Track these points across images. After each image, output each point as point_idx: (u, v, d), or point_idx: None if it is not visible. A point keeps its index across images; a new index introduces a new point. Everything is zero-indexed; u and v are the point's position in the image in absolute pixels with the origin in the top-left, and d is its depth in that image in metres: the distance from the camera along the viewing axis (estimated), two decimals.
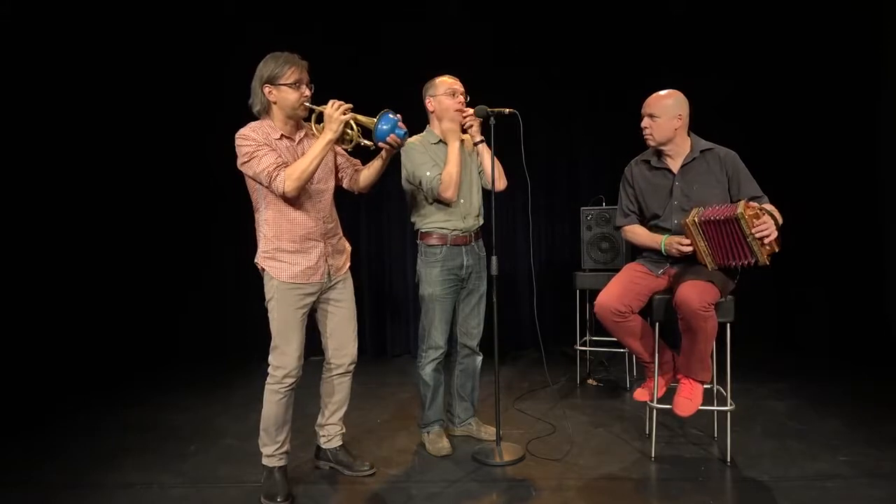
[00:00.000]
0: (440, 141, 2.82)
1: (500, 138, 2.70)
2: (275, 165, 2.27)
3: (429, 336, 2.82)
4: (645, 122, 2.73)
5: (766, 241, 2.45)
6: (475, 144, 2.86)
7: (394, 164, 2.62)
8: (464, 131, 2.82)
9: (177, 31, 4.52)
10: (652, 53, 4.58)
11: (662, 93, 2.74)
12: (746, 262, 2.52)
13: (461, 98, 2.79)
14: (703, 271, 2.57)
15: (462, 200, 2.80)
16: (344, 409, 2.67)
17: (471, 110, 2.73)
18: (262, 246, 2.41)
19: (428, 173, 2.70)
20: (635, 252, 3.13)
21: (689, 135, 2.77)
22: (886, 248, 4.36)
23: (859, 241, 4.40)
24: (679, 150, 2.75)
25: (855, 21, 4.32)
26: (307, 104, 2.37)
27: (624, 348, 3.60)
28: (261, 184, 2.32)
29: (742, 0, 4.47)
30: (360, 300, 2.65)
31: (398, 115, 2.38)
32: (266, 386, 2.42)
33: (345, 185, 2.62)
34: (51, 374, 4.09)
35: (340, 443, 2.68)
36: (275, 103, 2.35)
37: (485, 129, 2.77)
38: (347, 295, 2.57)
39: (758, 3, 4.45)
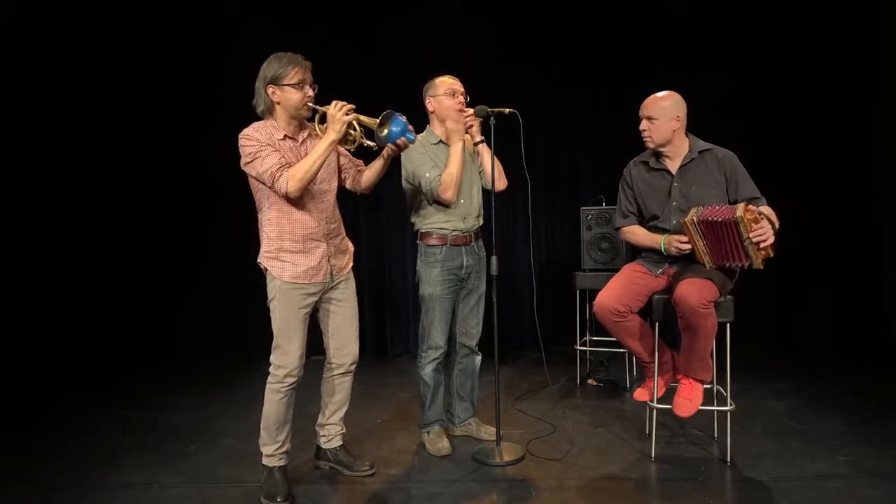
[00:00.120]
0: (440, 141, 2.82)
1: (500, 138, 2.71)
2: (278, 166, 2.27)
3: (429, 336, 2.82)
4: (643, 125, 2.73)
5: (763, 245, 2.45)
6: (475, 144, 2.86)
7: (394, 164, 2.62)
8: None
9: (177, 32, 4.52)
10: (652, 53, 4.58)
11: (660, 94, 2.74)
12: (741, 265, 2.53)
13: (461, 98, 2.79)
14: (702, 270, 2.58)
15: (462, 201, 2.80)
16: (344, 409, 2.67)
17: (471, 110, 2.73)
18: (265, 246, 2.42)
19: (427, 174, 2.70)
20: (635, 252, 3.14)
21: (687, 135, 2.78)
22: (886, 249, 4.36)
23: (859, 241, 4.40)
24: (677, 151, 2.75)
25: (855, 21, 4.31)
26: (310, 104, 2.37)
27: (624, 348, 3.59)
28: (264, 184, 2.32)
29: (742, 0, 4.47)
30: (360, 300, 2.65)
31: (404, 117, 2.38)
32: (267, 385, 2.42)
33: (347, 185, 2.62)
34: (51, 374, 4.09)
35: (340, 443, 2.68)
36: (278, 104, 2.36)
37: (485, 129, 2.77)
38: (350, 295, 2.58)
39: (758, 4, 4.45)
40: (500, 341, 2.76)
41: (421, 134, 2.83)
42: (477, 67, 3.58)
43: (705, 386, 2.68)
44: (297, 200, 2.36)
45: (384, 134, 2.36)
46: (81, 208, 4.43)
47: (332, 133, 2.29)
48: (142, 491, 2.53)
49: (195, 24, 4.53)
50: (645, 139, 2.75)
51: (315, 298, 2.46)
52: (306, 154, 2.36)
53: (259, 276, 2.48)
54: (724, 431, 2.67)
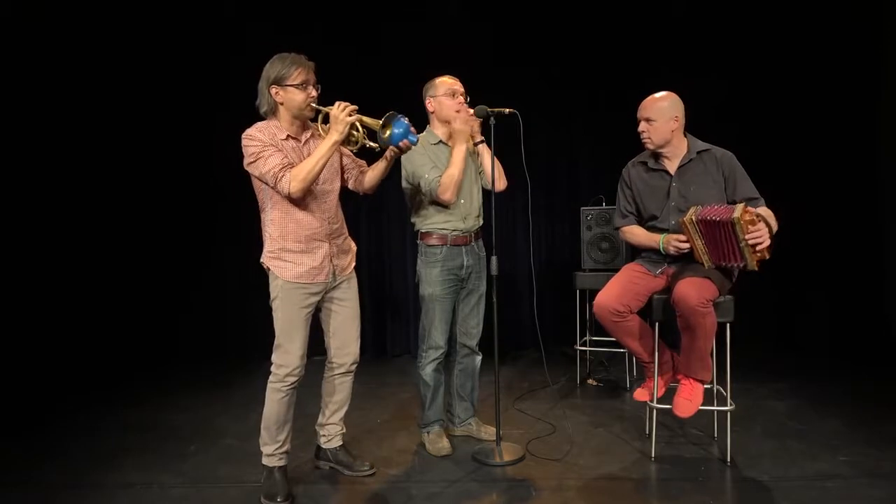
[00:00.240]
0: (440, 142, 2.82)
1: (500, 138, 2.71)
2: (280, 166, 2.28)
3: (429, 336, 2.82)
4: (642, 126, 2.73)
5: (759, 248, 2.46)
6: (475, 145, 2.86)
7: (395, 164, 2.62)
8: None
9: (177, 32, 4.52)
10: (652, 53, 4.58)
11: (657, 95, 2.74)
12: (736, 265, 2.53)
13: (461, 98, 2.79)
14: (701, 269, 2.58)
15: (462, 201, 2.80)
16: (345, 409, 2.67)
17: (471, 110, 2.73)
18: (268, 246, 2.42)
19: (427, 175, 2.70)
20: (635, 252, 3.14)
21: (685, 136, 2.78)
22: (886, 249, 4.36)
23: (859, 241, 4.40)
24: (676, 152, 2.75)
25: (855, 21, 4.31)
26: (314, 105, 2.37)
27: (624, 348, 3.59)
28: (267, 184, 2.33)
29: (742, 1, 4.47)
30: (360, 300, 2.65)
31: (407, 119, 2.38)
32: (268, 384, 2.42)
33: (350, 185, 2.63)
34: (51, 374, 4.09)
35: (340, 443, 2.68)
36: (281, 104, 2.36)
37: (485, 129, 2.77)
38: (352, 294, 2.58)
39: (758, 4, 4.45)
40: (500, 341, 2.76)
41: (421, 134, 2.82)
42: (477, 67, 3.58)
43: (705, 386, 2.68)
44: (300, 201, 2.36)
45: (386, 136, 2.36)
46: (82, 208, 4.43)
47: (335, 134, 2.29)
48: (142, 491, 2.53)
49: (195, 25, 4.53)
50: (644, 140, 2.75)
51: (317, 298, 2.46)
52: (309, 154, 2.36)
53: (259, 276, 2.48)
54: (724, 431, 2.67)
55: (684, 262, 2.68)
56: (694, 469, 2.60)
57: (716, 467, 2.61)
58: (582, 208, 4.02)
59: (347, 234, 2.61)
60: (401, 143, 2.38)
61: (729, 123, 4.12)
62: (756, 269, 2.51)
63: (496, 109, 2.66)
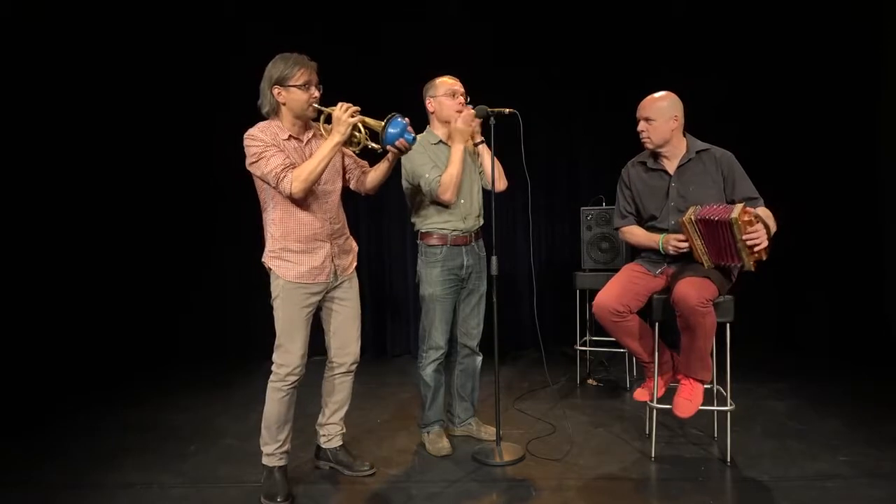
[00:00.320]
0: (440, 141, 2.82)
1: (500, 138, 2.71)
2: (282, 166, 2.28)
3: (429, 336, 2.82)
4: (641, 126, 2.73)
5: (756, 249, 2.46)
6: (475, 145, 2.86)
7: (397, 165, 2.62)
8: None
9: (177, 32, 4.52)
10: (652, 53, 4.58)
11: (656, 95, 2.74)
12: (733, 265, 2.53)
13: (461, 98, 2.79)
14: (701, 269, 2.58)
15: (463, 201, 2.80)
16: (345, 408, 2.67)
17: (472, 110, 2.73)
18: (270, 245, 2.42)
19: (427, 174, 2.70)
20: (635, 252, 3.14)
21: (684, 135, 2.78)
22: (886, 249, 4.36)
23: (859, 241, 4.40)
24: (675, 152, 2.75)
25: (855, 21, 4.31)
26: (316, 105, 2.37)
27: (624, 348, 3.60)
28: (268, 184, 2.33)
29: (742, 1, 4.47)
30: (360, 300, 2.65)
31: (406, 119, 2.38)
32: (269, 384, 2.43)
33: (352, 186, 2.63)
34: (51, 374, 4.09)
35: (340, 443, 2.68)
36: (284, 104, 2.36)
37: (485, 129, 2.77)
38: (353, 294, 2.58)
39: (757, 4, 4.45)
40: (500, 341, 2.76)
41: (421, 134, 2.83)
42: (477, 67, 3.58)
43: (705, 386, 2.68)
44: (302, 201, 2.36)
45: (384, 136, 2.36)
46: (82, 208, 4.43)
47: (337, 135, 2.29)
48: (142, 491, 2.53)
49: (195, 25, 4.53)
50: (643, 140, 2.75)
51: (318, 298, 2.46)
52: (311, 155, 2.36)
53: (260, 276, 2.48)
54: (724, 431, 2.67)
55: (684, 261, 2.68)
56: (694, 469, 2.60)
57: (716, 467, 2.61)
58: (582, 208, 4.02)
59: (349, 234, 2.61)
60: (397, 143, 2.37)
61: (729, 123, 4.12)
62: (753, 269, 2.52)
63: (496, 109, 2.66)
